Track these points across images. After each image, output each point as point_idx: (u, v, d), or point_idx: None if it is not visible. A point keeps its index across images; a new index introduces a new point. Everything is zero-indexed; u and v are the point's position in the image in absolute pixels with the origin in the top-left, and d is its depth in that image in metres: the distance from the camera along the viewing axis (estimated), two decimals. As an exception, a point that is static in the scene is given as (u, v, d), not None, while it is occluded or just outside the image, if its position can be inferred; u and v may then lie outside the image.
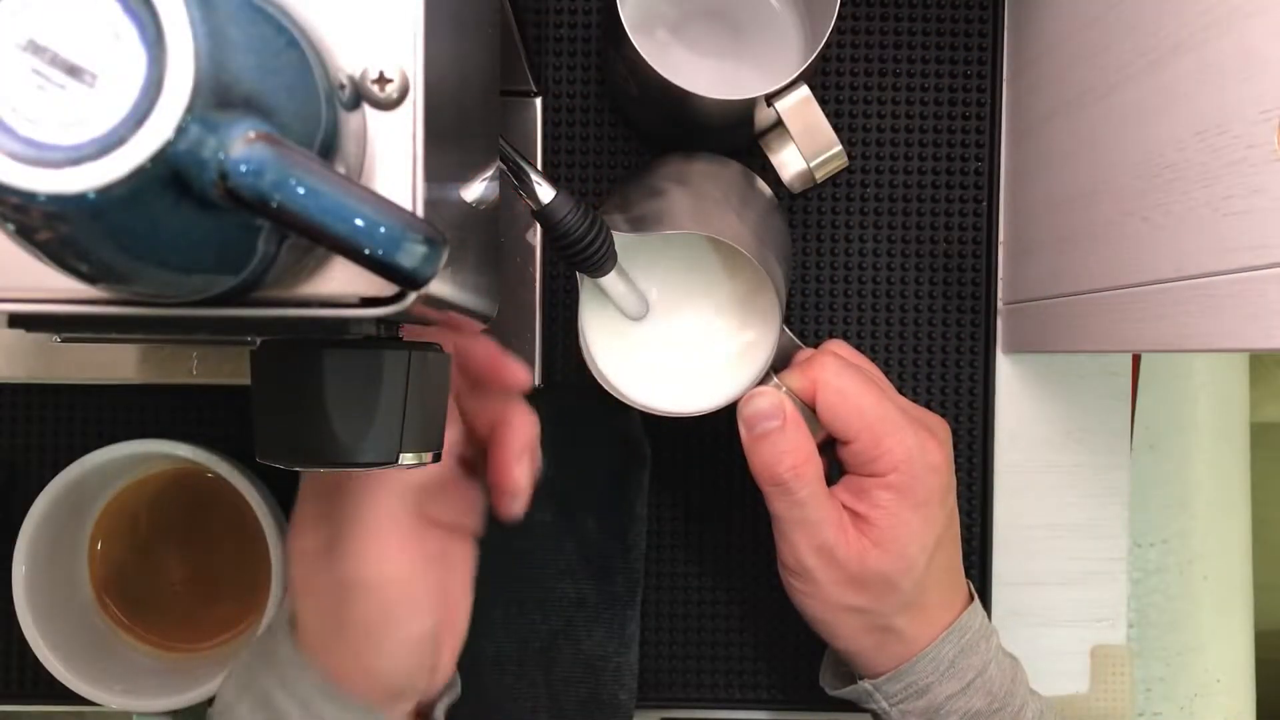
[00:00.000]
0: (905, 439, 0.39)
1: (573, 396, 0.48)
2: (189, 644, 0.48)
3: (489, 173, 0.35)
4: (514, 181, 0.37)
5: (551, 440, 0.47)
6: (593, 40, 0.50)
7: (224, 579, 0.49)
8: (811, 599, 0.41)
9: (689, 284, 0.44)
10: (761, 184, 0.47)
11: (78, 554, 0.47)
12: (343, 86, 0.23)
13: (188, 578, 0.49)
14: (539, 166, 0.48)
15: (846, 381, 0.40)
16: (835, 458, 0.41)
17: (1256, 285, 0.30)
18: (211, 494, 0.47)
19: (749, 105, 0.41)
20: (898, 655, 0.41)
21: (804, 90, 0.41)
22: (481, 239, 0.34)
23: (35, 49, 0.18)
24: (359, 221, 0.19)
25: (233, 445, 0.50)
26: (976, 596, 0.43)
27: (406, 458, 0.29)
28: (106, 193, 0.18)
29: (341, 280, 0.24)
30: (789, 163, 0.43)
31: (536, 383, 0.48)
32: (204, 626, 0.48)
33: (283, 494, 0.47)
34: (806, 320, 0.50)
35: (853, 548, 0.39)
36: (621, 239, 0.39)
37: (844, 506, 0.40)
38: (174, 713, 0.45)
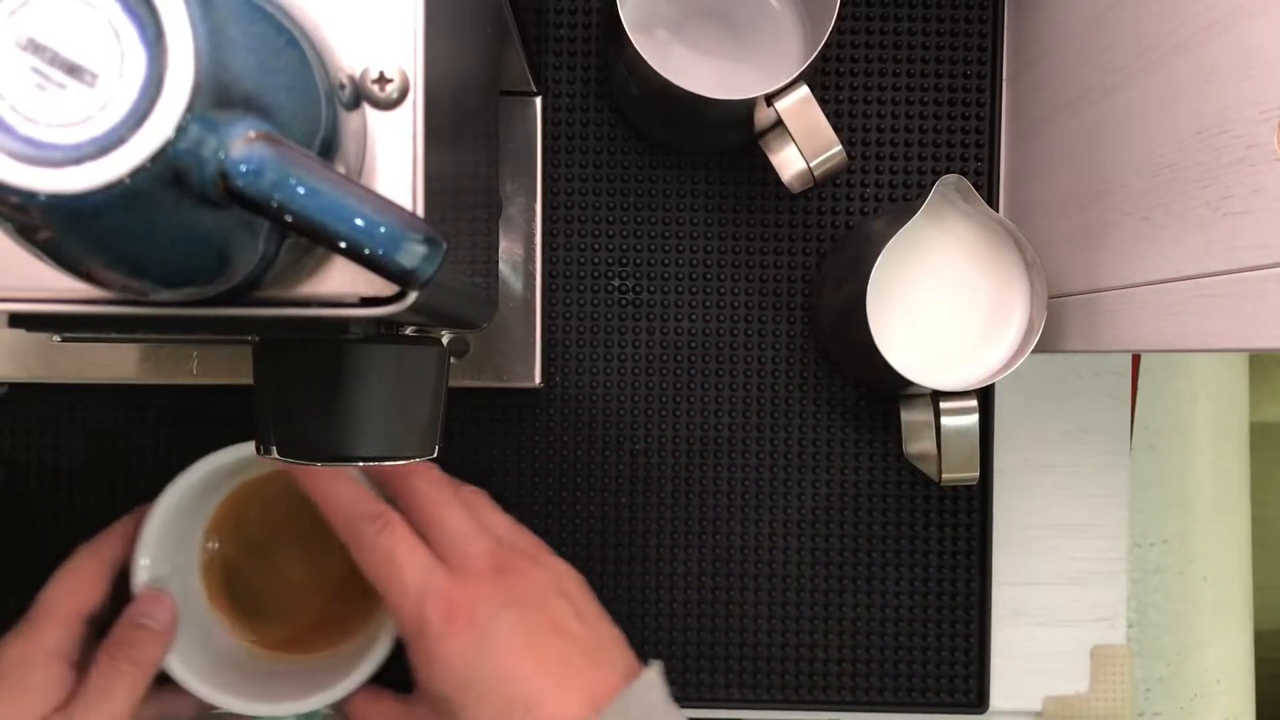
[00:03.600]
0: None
1: None
2: (304, 647, 0.47)
3: (489, 172, 0.35)
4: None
5: None
6: (593, 40, 0.50)
7: (341, 580, 0.47)
8: None
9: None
10: None
11: (191, 555, 0.46)
12: (343, 86, 0.23)
13: (303, 579, 0.47)
14: (539, 166, 0.48)
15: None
16: None
17: (1256, 285, 0.30)
18: None
19: (749, 105, 0.41)
20: None
21: (804, 90, 0.41)
22: (481, 239, 0.34)
23: (35, 48, 0.18)
24: (359, 221, 0.19)
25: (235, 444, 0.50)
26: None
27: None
28: (107, 192, 0.18)
29: (341, 280, 0.24)
30: (789, 163, 0.43)
31: (537, 382, 0.48)
32: (320, 629, 0.47)
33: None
34: (806, 320, 0.50)
35: None
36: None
37: None
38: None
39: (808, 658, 0.50)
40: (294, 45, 0.21)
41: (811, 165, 0.41)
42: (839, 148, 0.41)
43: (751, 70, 0.47)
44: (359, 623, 0.46)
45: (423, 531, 0.40)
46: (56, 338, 0.45)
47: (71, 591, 0.41)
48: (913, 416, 0.48)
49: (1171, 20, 0.35)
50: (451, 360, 0.44)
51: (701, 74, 0.46)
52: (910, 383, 0.42)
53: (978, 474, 0.43)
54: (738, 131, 0.46)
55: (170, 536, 0.44)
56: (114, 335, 0.43)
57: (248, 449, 0.43)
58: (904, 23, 0.50)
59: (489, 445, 0.49)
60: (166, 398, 0.50)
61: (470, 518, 0.41)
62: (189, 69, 0.18)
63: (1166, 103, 0.35)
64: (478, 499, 0.43)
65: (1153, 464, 0.55)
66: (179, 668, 0.42)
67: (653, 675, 0.39)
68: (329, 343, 0.29)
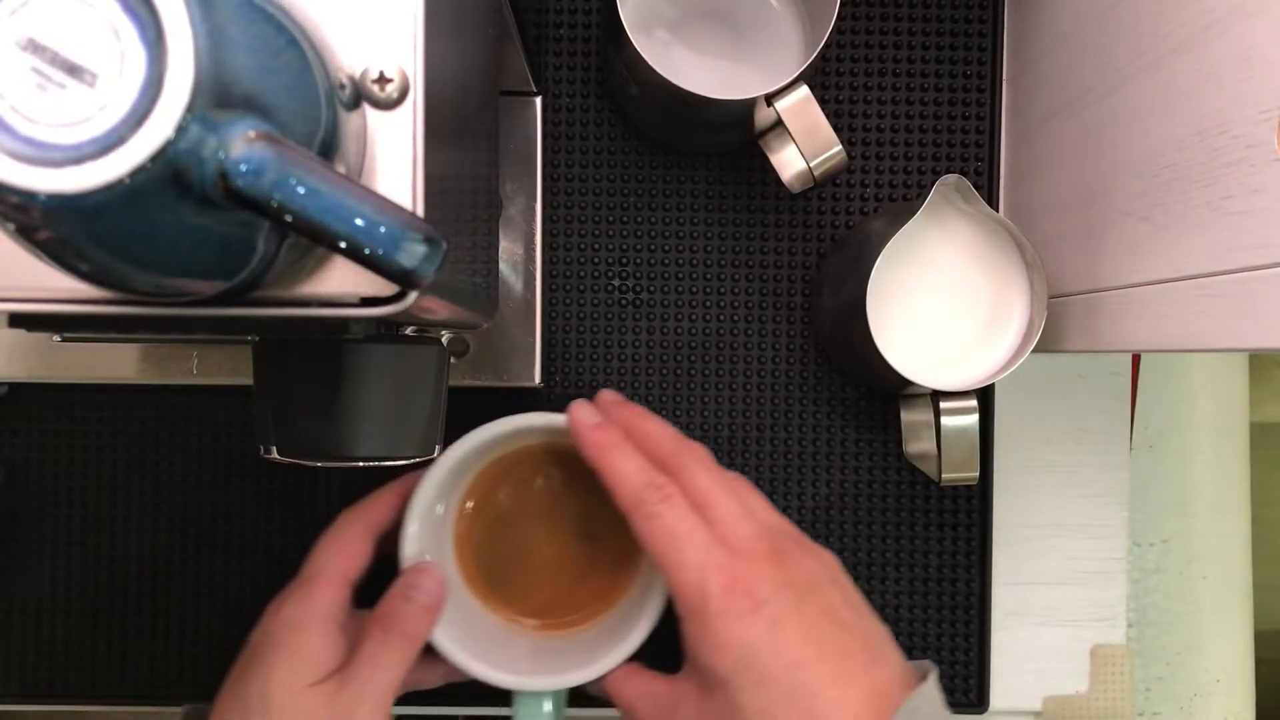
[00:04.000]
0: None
1: None
2: (555, 621, 0.47)
3: (489, 172, 0.35)
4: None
5: None
6: (593, 40, 0.50)
7: (584, 561, 0.47)
8: None
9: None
10: None
11: (446, 525, 0.46)
12: (343, 86, 0.23)
13: (546, 557, 0.47)
14: (539, 166, 0.48)
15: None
16: None
17: (1256, 285, 0.30)
18: (577, 466, 0.44)
19: (749, 105, 0.41)
20: None
21: (804, 90, 0.41)
22: (481, 239, 0.34)
23: (35, 48, 0.18)
24: (359, 221, 0.19)
25: (235, 443, 0.50)
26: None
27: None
28: (107, 192, 0.18)
29: (341, 280, 0.24)
30: (789, 163, 0.44)
31: (537, 382, 0.48)
32: (560, 608, 0.47)
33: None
34: (807, 320, 0.50)
35: None
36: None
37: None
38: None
39: (808, 658, 0.50)
40: (294, 45, 0.21)
41: (811, 165, 0.41)
42: (839, 148, 0.41)
43: (751, 70, 0.47)
44: (599, 606, 0.47)
45: (701, 506, 0.40)
46: (56, 338, 0.45)
47: (340, 556, 0.41)
48: (913, 416, 0.48)
49: (1171, 20, 0.35)
50: (451, 360, 0.44)
51: (701, 74, 0.46)
52: (910, 383, 0.42)
53: (978, 474, 0.43)
54: (738, 131, 0.46)
55: (434, 505, 0.44)
56: (114, 335, 0.43)
57: (521, 420, 0.43)
58: (904, 23, 0.50)
59: (489, 445, 0.49)
60: (166, 398, 0.50)
61: (739, 501, 0.41)
62: (189, 69, 0.18)
63: (1166, 103, 0.35)
64: (741, 484, 0.42)
65: (1153, 464, 0.55)
66: (441, 638, 0.42)
67: (932, 682, 0.37)
68: (329, 343, 0.29)
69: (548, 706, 0.43)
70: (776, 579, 0.38)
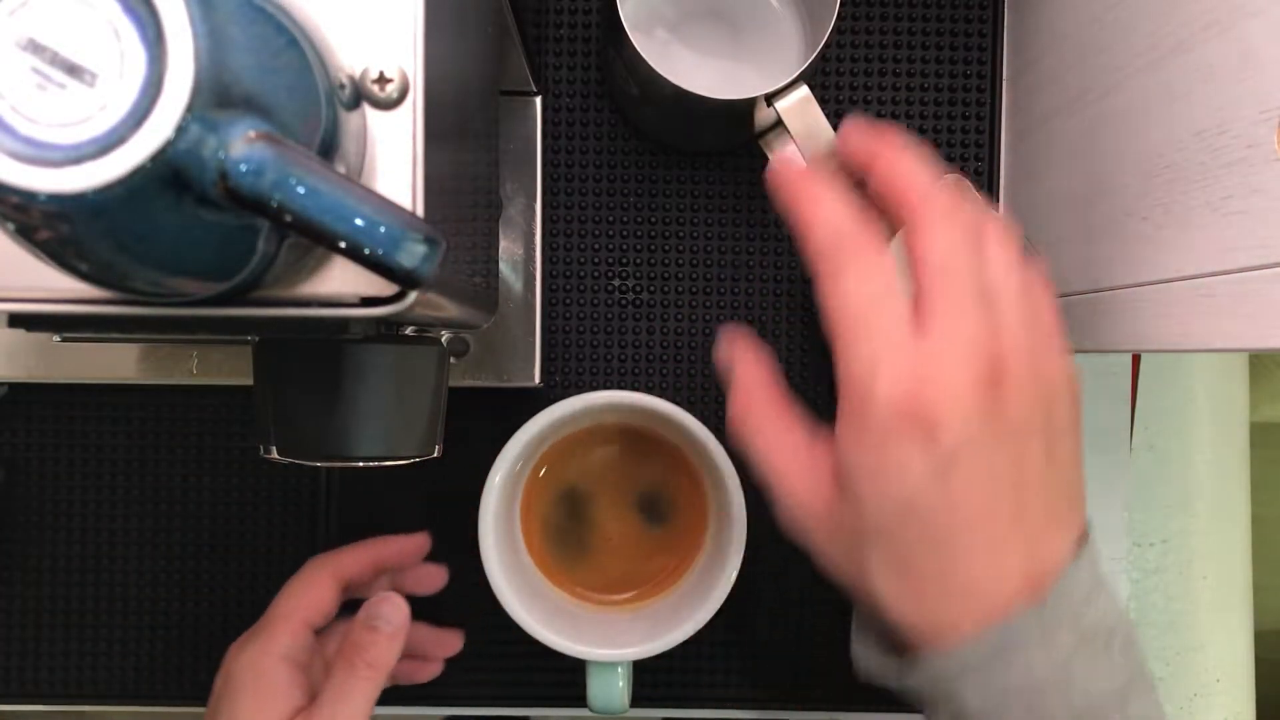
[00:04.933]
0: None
1: None
2: (621, 598, 0.48)
3: (489, 172, 0.35)
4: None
5: None
6: (593, 40, 0.50)
7: (656, 533, 0.48)
8: None
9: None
10: None
11: (515, 506, 0.47)
12: (343, 86, 0.23)
13: (620, 531, 0.48)
14: (539, 166, 0.48)
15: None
16: None
17: (1256, 285, 0.30)
18: (647, 447, 0.44)
19: (749, 105, 0.41)
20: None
21: (804, 90, 0.41)
22: (481, 239, 0.34)
23: (35, 48, 0.18)
24: (359, 221, 0.19)
25: (235, 443, 0.50)
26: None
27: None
28: (106, 192, 0.18)
29: (341, 280, 0.24)
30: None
31: (537, 382, 0.48)
32: (635, 581, 0.48)
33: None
34: (808, 320, 0.50)
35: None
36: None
37: None
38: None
39: (807, 658, 0.50)
40: (294, 45, 0.21)
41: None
42: (839, 148, 0.41)
43: (751, 70, 0.47)
44: (663, 585, 0.47)
45: (920, 279, 0.30)
46: (56, 338, 0.45)
47: (303, 600, 0.42)
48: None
49: (1171, 20, 0.35)
50: (451, 360, 0.44)
51: (701, 74, 0.46)
52: None
53: None
54: (738, 131, 0.46)
55: (510, 476, 0.45)
56: (114, 335, 0.43)
57: (597, 398, 0.43)
58: (904, 23, 0.50)
59: (489, 445, 0.49)
60: (166, 397, 0.50)
61: (984, 292, 0.31)
62: (189, 69, 0.18)
63: (1166, 103, 0.35)
64: (1000, 232, 0.32)
65: (1153, 464, 0.55)
66: (520, 611, 0.43)
67: (1089, 553, 0.31)
68: (329, 343, 0.29)
69: (620, 682, 0.44)
70: (975, 404, 0.29)
